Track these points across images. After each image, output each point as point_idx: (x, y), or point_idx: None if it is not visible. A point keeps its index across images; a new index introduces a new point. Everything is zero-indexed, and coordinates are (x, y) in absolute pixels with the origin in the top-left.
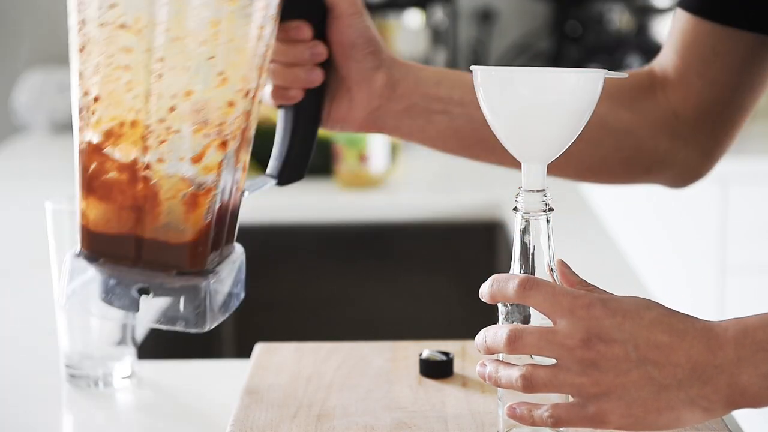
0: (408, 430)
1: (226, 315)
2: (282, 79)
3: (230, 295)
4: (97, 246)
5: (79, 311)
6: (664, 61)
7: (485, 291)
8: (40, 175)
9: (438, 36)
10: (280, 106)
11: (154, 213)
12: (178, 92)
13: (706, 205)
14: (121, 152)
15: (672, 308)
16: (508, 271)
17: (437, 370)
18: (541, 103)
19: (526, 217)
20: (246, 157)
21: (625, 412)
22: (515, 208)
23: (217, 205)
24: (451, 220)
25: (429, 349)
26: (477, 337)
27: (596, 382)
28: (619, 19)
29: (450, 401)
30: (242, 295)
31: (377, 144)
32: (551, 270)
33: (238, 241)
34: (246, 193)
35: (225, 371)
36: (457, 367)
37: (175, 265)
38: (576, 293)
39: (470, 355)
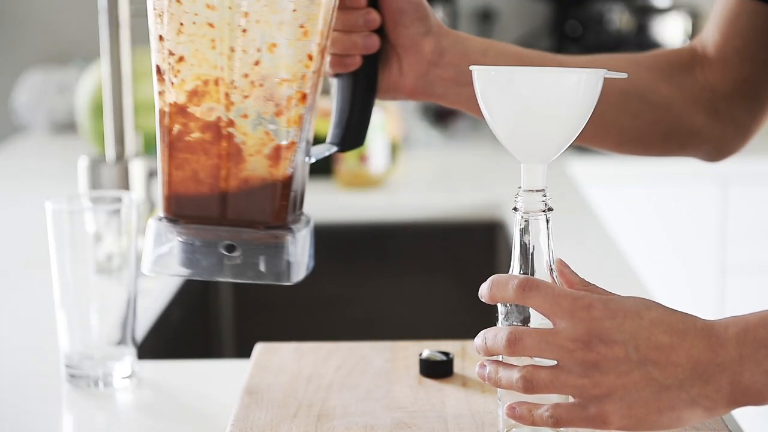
0: (408, 430)
1: (309, 271)
2: (340, 47)
3: (310, 252)
4: (180, 209)
5: (166, 274)
6: (706, 38)
7: (484, 292)
8: (40, 175)
9: None
10: (337, 75)
11: (237, 170)
12: (262, 46)
13: (706, 205)
14: (205, 111)
15: (672, 308)
16: (507, 271)
17: (437, 370)
18: (541, 103)
19: (526, 217)
20: (314, 120)
21: (627, 413)
22: (515, 208)
23: (299, 160)
24: (451, 220)
25: (429, 349)
26: (476, 339)
27: (597, 383)
28: (619, 19)
29: (450, 401)
30: (312, 265)
31: (377, 144)
32: (551, 270)
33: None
34: (310, 159)
35: (225, 371)
36: (457, 367)
37: (260, 221)
38: (576, 294)
39: (470, 355)
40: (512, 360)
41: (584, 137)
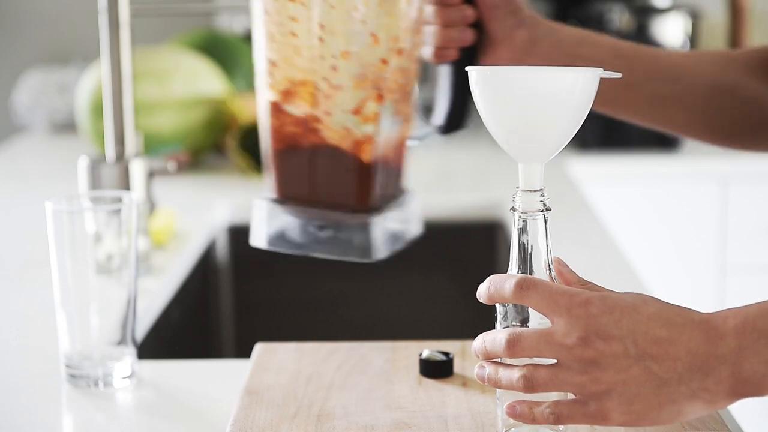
0: (408, 430)
1: (395, 249)
2: (439, 40)
3: (398, 232)
4: (284, 191)
5: (278, 250)
6: None
7: (482, 292)
8: (40, 175)
9: None
10: (439, 64)
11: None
12: (336, 53)
13: (706, 205)
14: (296, 108)
15: (670, 302)
16: (506, 272)
17: (437, 370)
18: (537, 104)
19: (524, 217)
20: (408, 109)
21: (627, 408)
22: (513, 208)
23: (380, 152)
24: (451, 220)
25: (429, 349)
26: (475, 342)
27: (597, 379)
28: (619, 19)
29: (450, 401)
30: (415, 232)
31: None
32: (549, 269)
33: (238, 240)
34: (413, 142)
35: (225, 371)
36: (457, 367)
37: (347, 204)
38: (573, 291)
39: (470, 355)
40: (512, 360)
41: (675, 126)
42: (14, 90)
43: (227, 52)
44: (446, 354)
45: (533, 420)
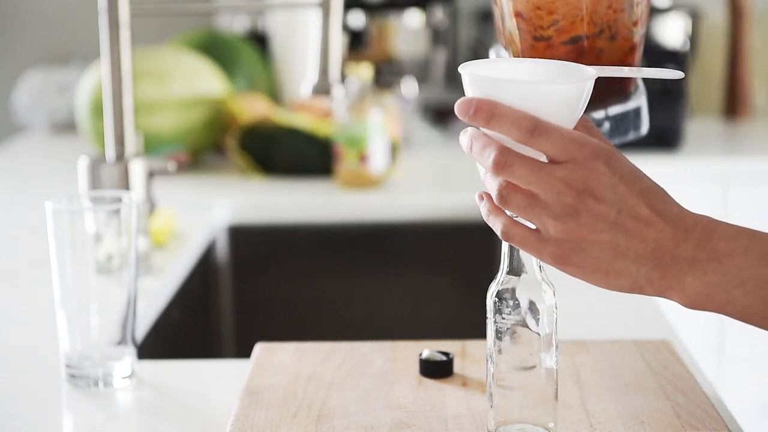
0: (408, 430)
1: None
2: None
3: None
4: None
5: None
6: None
7: (466, 139)
8: (40, 175)
9: (438, 36)
10: None
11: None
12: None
13: (706, 205)
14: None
15: (663, 188)
16: (500, 270)
17: (437, 370)
18: (530, 107)
19: (514, 216)
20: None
21: (577, 261)
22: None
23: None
24: (451, 220)
25: (429, 349)
26: (461, 136)
27: (568, 229)
28: None
29: (450, 401)
30: (644, 130)
31: (377, 144)
32: (540, 268)
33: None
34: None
35: (225, 371)
36: (457, 367)
37: (621, 93)
38: (584, 140)
39: (470, 355)
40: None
41: None
42: (14, 90)
43: (227, 52)
44: (446, 354)
45: (489, 210)
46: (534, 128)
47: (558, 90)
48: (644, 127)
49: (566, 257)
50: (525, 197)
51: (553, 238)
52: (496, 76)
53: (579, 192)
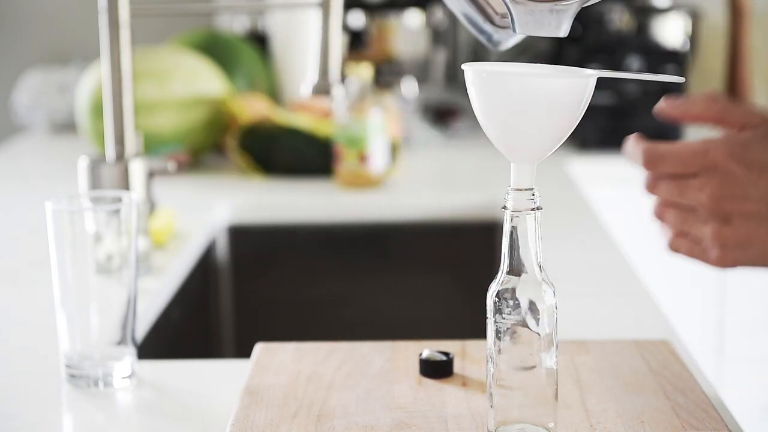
0: (408, 430)
1: None
2: None
3: None
4: None
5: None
6: None
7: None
8: (40, 175)
9: (438, 36)
10: None
11: None
12: None
13: None
14: None
15: None
16: (499, 270)
17: (437, 370)
18: (531, 106)
19: (515, 215)
20: None
21: (746, 260)
22: (504, 207)
23: None
24: (451, 220)
25: (429, 349)
26: (627, 145)
27: (724, 235)
28: (619, 19)
29: (450, 401)
30: None
31: (377, 144)
32: (539, 267)
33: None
34: None
35: (225, 371)
36: (457, 367)
37: None
38: (704, 147)
39: (470, 355)
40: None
41: None
42: (14, 90)
43: (227, 52)
44: (446, 354)
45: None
46: (649, 158)
47: (562, 84)
48: None
49: (732, 260)
50: (678, 213)
51: (714, 245)
52: (499, 69)
53: (719, 199)
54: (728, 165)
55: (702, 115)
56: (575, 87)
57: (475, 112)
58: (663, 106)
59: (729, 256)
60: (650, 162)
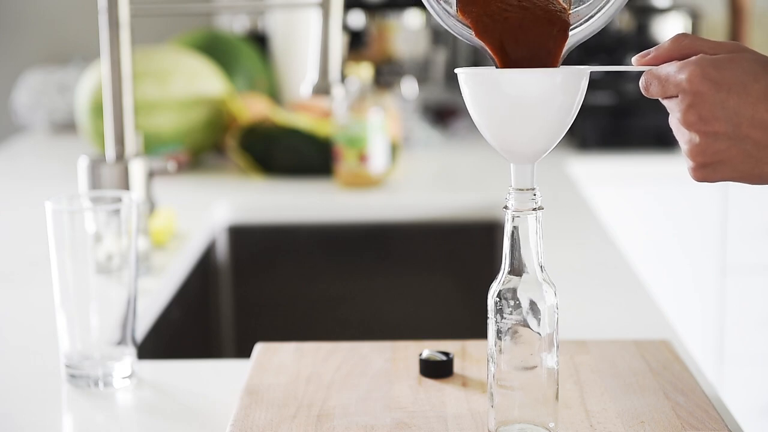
0: (408, 430)
1: None
2: None
3: None
4: None
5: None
6: None
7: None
8: (40, 175)
9: (438, 36)
10: None
11: None
12: None
13: (706, 205)
14: None
15: None
16: (500, 269)
17: (437, 370)
18: (526, 104)
19: (516, 215)
20: None
21: (726, 174)
22: (505, 207)
23: None
24: (451, 220)
25: (429, 349)
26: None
27: (697, 154)
28: (619, 19)
29: (450, 401)
30: None
31: (377, 144)
32: (541, 267)
33: (238, 240)
34: None
35: (225, 371)
36: (457, 367)
37: None
38: (677, 70)
39: (470, 355)
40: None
41: None
42: (14, 90)
43: (227, 52)
44: (446, 354)
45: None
46: (645, 83)
47: (555, 81)
48: None
49: (712, 176)
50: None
51: (687, 160)
52: (491, 70)
53: (693, 122)
54: (699, 86)
55: (673, 53)
56: (568, 83)
57: (470, 115)
58: (636, 59)
59: (699, 174)
60: (644, 88)
